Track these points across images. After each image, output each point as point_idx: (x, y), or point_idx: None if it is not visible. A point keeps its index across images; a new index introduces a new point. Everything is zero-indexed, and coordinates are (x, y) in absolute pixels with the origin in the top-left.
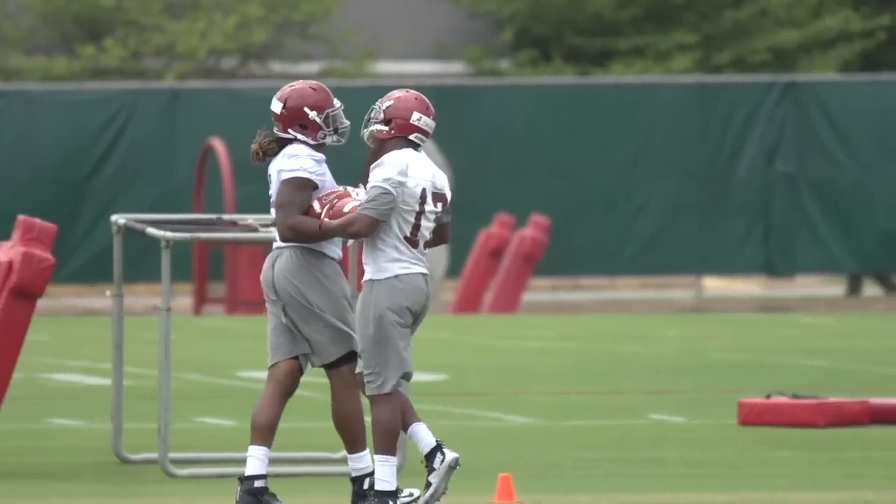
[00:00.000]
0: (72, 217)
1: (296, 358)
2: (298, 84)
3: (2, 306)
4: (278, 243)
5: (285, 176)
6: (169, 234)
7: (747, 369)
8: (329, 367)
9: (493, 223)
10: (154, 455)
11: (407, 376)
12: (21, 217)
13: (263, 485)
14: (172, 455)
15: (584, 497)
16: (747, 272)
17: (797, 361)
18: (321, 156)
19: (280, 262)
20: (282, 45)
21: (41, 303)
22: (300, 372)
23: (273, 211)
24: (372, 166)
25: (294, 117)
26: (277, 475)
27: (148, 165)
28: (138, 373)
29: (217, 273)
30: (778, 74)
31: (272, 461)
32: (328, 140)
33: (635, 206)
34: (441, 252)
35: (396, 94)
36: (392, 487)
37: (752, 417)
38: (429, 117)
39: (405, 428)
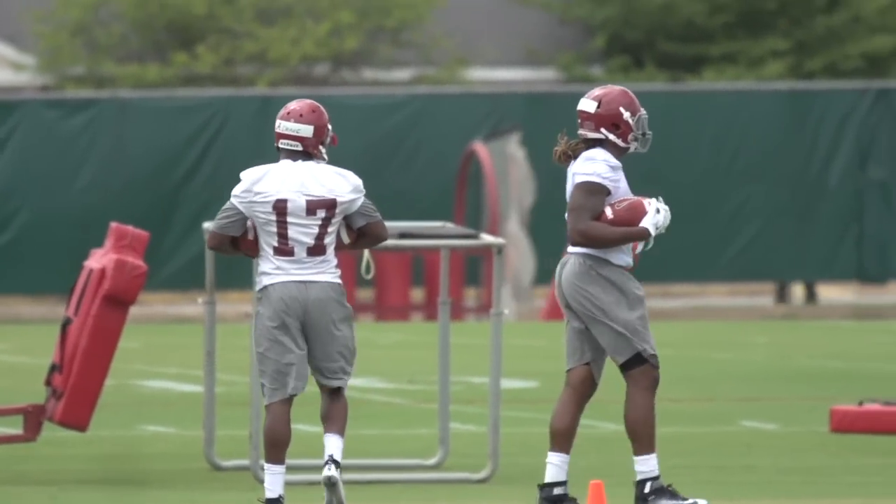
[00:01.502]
0: (164, 224)
1: (588, 364)
2: (608, 87)
3: (95, 313)
4: (570, 248)
5: (579, 179)
6: None
7: (839, 376)
8: (622, 370)
9: None
10: (246, 462)
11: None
12: (114, 224)
13: (563, 492)
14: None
15: None
16: (840, 279)
17: (890, 368)
18: (618, 163)
19: (567, 269)
20: (374, 52)
21: (133, 310)
22: (593, 378)
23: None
24: None
25: (609, 117)
26: (369, 482)
27: (240, 172)
28: (230, 380)
29: None
30: (871, 80)
31: (360, 468)
32: (633, 146)
33: (727, 213)
34: (528, 258)
35: None
36: (275, 495)
37: (844, 425)
38: (288, 121)
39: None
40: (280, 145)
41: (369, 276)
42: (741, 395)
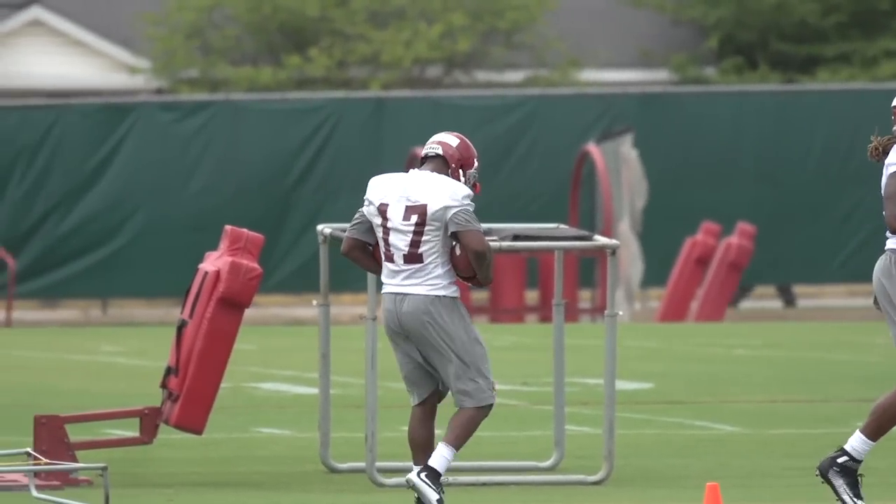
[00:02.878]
0: (278, 227)
1: None
2: None
3: (210, 316)
4: (888, 244)
5: (892, 169)
6: None
7: None
8: None
9: (699, 231)
10: (361, 464)
11: (430, 394)
12: (228, 227)
13: None
14: (380, 464)
15: None
16: None
17: None
18: None
19: (878, 264)
20: (487, 54)
21: (248, 313)
22: None
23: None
24: None
25: None
26: (484, 484)
27: (354, 175)
28: (345, 382)
29: None
30: None
31: (475, 470)
32: None
33: (842, 213)
34: (637, 261)
35: None
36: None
37: None
38: (437, 134)
39: None
40: (422, 152)
41: None
42: (857, 397)
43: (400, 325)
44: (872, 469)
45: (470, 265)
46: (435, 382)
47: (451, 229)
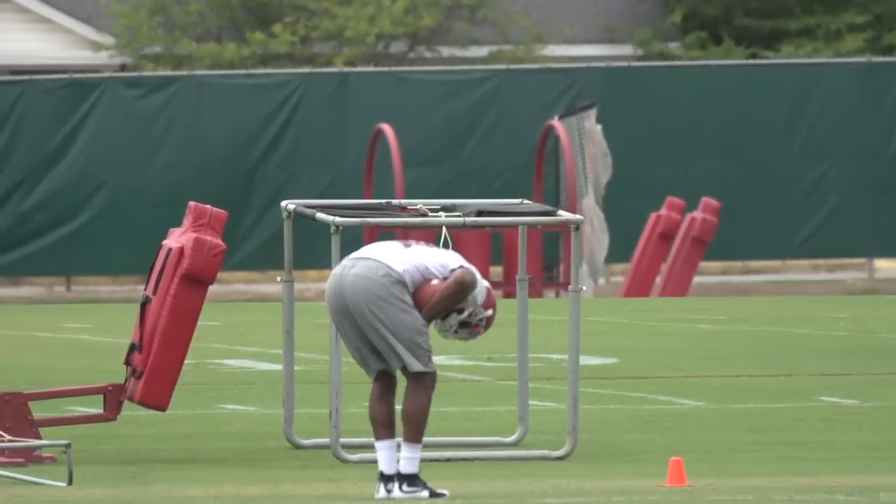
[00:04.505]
0: (242, 203)
1: None
2: None
3: (174, 293)
4: None
5: None
6: (338, 219)
7: None
8: None
9: (663, 206)
10: (326, 440)
11: (375, 373)
12: (192, 203)
13: None
14: (344, 440)
15: (756, 480)
16: None
17: None
18: None
19: None
20: (450, 30)
21: (212, 289)
22: None
23: None
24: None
25: None
26: (448, 460)
27: (318, 151)
28: (309, 358)
29: None
30: None
31: (439, 446)
32: None
33: (806, 189)
34: (603, 236)
35: None
36: (386, 471)
37: None
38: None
39: None
40: None
41: None
42: (821, 371)
43: (342, 292)
44: (835, 443)
45: (427, 301)
46: (381, 360)
47: (452, 268)
